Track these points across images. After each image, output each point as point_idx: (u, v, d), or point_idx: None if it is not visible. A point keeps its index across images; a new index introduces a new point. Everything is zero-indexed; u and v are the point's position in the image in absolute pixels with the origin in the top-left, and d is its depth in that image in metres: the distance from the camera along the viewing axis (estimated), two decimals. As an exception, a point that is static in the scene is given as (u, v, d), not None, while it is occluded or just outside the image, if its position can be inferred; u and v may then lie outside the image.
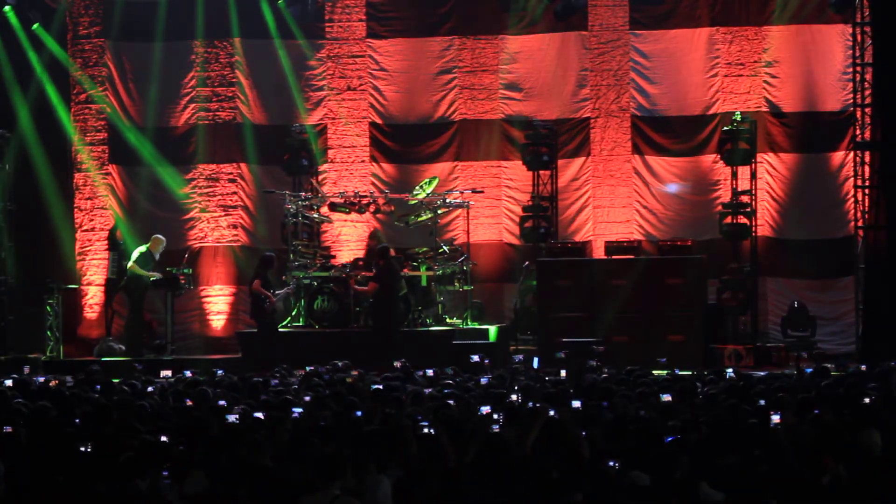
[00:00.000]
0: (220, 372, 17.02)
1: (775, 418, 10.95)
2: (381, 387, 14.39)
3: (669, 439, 10.27)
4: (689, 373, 16.64)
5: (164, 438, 10.62)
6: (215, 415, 11.75)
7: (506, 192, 23.85)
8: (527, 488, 8.82)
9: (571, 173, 23.73)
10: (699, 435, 10.45)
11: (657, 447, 10.19)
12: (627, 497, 8.98)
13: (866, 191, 22.08)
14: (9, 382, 15.63)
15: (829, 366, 16.75)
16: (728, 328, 21.99)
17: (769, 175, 23.14)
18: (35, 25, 23.46)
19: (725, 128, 22.49)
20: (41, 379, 17.38)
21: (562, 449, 9.59)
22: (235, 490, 9.30)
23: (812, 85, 23.12)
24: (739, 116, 22.39)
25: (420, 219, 22.06)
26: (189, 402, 13.16)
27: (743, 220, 22.29)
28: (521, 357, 19.38)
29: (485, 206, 23.67)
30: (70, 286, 23.00)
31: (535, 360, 19.00)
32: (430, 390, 14.13)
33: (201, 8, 23.72)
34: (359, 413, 12.06)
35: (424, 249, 21.87)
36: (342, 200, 22.17)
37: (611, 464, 9.23)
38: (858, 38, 22.25)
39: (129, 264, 21.74)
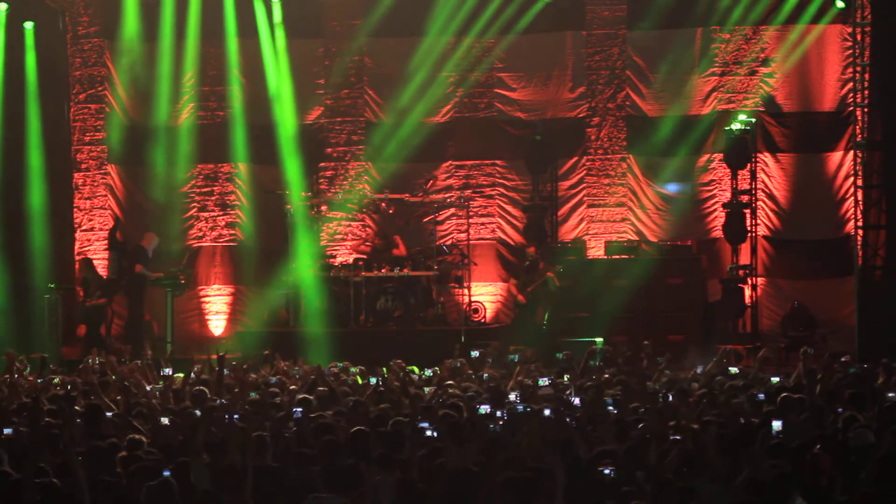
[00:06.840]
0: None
1: (776, 422, 10.94)
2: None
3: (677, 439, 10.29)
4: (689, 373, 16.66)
5: (162, 439, 10.64)
6: (214, 415, 11.76)
7: (502, 191, 23.85)
8: (526, 488, 8.83)
9: (567, 172, 23.72)
10: (700, 435, 10.45)
11: (656, 447, 10.22)
12: (625, 496, 9.00)
13: (866, 191, 22.08)
14: (8, 383, 15.61)
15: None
16: (728, 328, 22.01)
17: (766, 175, 23.13)
18: (32, 25, 23.40)
19: (725, 128, 22.51)
20: (41, 380, 17.36)
21: (558, 448, 9.60)
22: (236, 490, 9.31)
23: (810, 85, 23.12)
24: (738, 116, 22.40)
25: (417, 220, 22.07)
26: (188, 403, 13.17)
27: (742, 220, 22.30)
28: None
29: (482, 206, 23.67)
30: (70, 286, 22.98)
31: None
32: (430, 390, 14.16)
33: (201, 8, 23.71)
34: (358, 412, 12.08)
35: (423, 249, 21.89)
36: (341, 200, 22.18)
37: (606, 471, 9.23)
38: (858, 38, 22.25)
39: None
